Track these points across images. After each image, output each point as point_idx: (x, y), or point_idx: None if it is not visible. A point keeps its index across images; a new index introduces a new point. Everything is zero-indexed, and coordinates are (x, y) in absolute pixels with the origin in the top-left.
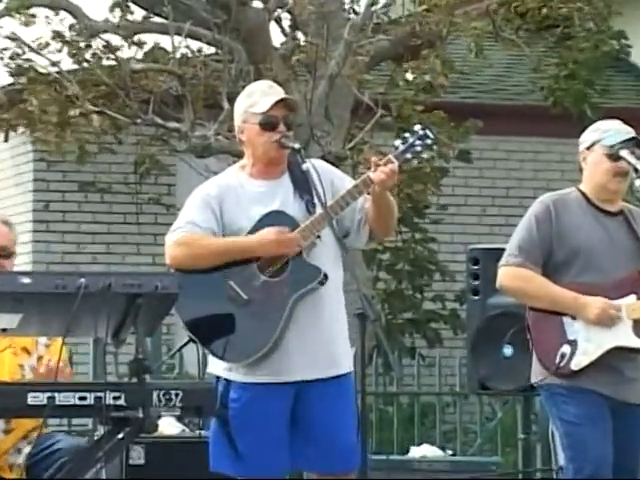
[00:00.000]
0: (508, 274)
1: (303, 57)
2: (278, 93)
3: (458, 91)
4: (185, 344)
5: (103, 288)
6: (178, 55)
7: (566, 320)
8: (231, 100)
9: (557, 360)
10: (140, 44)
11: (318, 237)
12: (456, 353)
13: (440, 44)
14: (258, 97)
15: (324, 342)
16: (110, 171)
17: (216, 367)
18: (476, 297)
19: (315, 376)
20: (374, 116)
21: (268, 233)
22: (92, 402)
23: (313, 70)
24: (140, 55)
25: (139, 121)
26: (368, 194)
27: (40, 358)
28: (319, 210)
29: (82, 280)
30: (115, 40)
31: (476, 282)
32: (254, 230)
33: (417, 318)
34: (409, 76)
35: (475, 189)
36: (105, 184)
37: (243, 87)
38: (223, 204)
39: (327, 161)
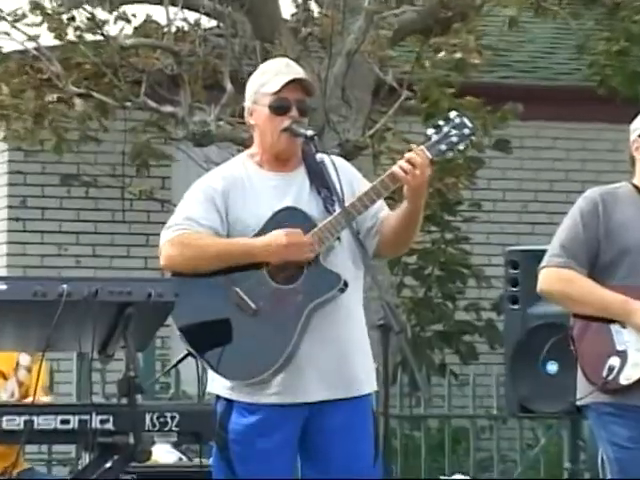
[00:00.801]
0: (550, 276)
1: (317, 31)
2: (295, 73)
3: (495, 70)
4: (182, 359)
5: (88, 296)
6: (173, 29)
7: (615, 328)
8: (234, 80)
9: (604, 374)
10: (129, 17)
11: (337, 239)
12: (493, 370)
13: (474, 16)
14: (270, 76)
15: (343, 358)
16: (96, 162)
17: (216, 385)
18: (515, 306)
19: (332, 396)
20: (398, 99)
21: (278, 236)
22: (76, 426)
23: (328, 46)
24: (130, 30)
25: (129, 105)
26: (393, 198)
27: (21, 384)
28: (338, 208)
29: (64, 287)
30: (101, 13)
31: (515, 289)
32: (263, 230)
33: (448, 330)
34: (439, 55)
35: (514, 182)
36: (90, 177)
37: (250, 66)
38: (228, 199)
39: (344, 150)
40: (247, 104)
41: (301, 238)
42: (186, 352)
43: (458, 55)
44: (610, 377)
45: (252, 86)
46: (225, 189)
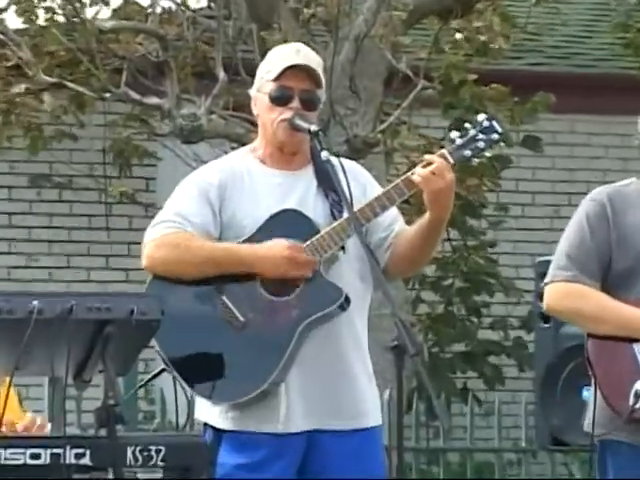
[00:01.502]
0: (558, 292)
1: (321, 12)
2: (301, 59)
3: (523, 56)
4: (156, 375)
5: (62, 313)
6: (158, 10)
7: (638, 348)
8: (227, 68)
9: (631, 401)
10: None
11: (342, 249)
12: (521, 397)
13: None
14: (276, 61)
15: (342, 384)
16: (70, 161)
17: (203, 411)
18: (546, 324)
19: (330, 426)
20: (413, 89)
21: (279, 247)
22: (48, 461)
23: (334, 29)
24: (108, 11)
25: (108, 96)
26: (408, 203)
27: None
28: (346, 215)
29: (35, 303)
30: None
31: None
32: (259, 232)
33: (471, 350)
34: (459, 36)
35: (546, 184)
36: (64, 177)
37: (245, 52)
38: (225, 195)
39: (352, 147)
40: (252, 92)
41: (304, 255)
42: (161, 368)
43: (482, 38)
44: (638, 405)
45: (259, 72)
46: (222, 183)
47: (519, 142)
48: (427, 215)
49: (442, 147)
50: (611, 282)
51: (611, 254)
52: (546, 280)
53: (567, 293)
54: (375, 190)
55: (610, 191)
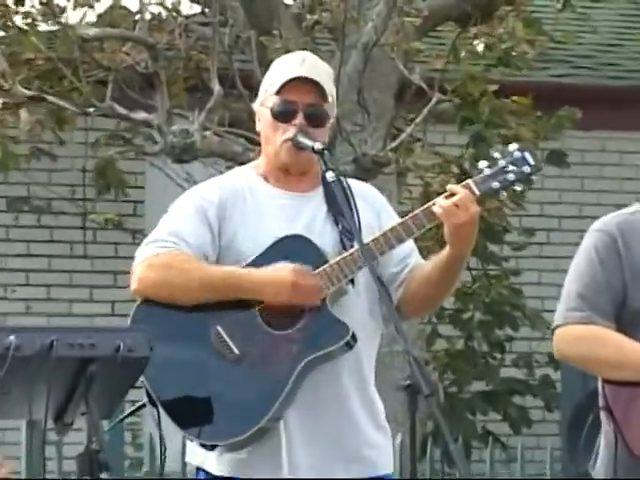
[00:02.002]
0: (569, 336)
1: (326, 18)
2: (306, 71)
3: (548, 67)
4: (137, 409)
5: (41, 350)
6: (147, 16)
7: None
8: (223, 80)
9: None
10: (92, 1)
11: (351, 282)
12: (546, 442)
13: None
14: (279, 72)
15: (347, 428)
16: (50, 182)
17: (197, 454)
18: None
19: (333, 475)
20: (428, 102)
21: (284, 272)
22: None
23: (340, 37)
24: (93, 17)
25: (92, 110)
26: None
27: None
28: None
29: (11, 338)
30: None
31: None
32: (260, 259)
33: (494, 389)
34: (478, 44)
35: (573, 207)
36: (43, 201)
37: (243, 62)
38: (225, 214)
39: (361, 166)
40: (255, 106)
41: (311, 279)
42: (142, 402)
43: (503, 46)
44: None
45: (263, 84)
46: (222, 201)
47: (544, 160)
48: (446, 250)
49: (460, 166)
50: (626, 321)
51: (625, 291)
52: (556, 323)
53: (580, 337)
54: (391, 217)
55: (619, 221)
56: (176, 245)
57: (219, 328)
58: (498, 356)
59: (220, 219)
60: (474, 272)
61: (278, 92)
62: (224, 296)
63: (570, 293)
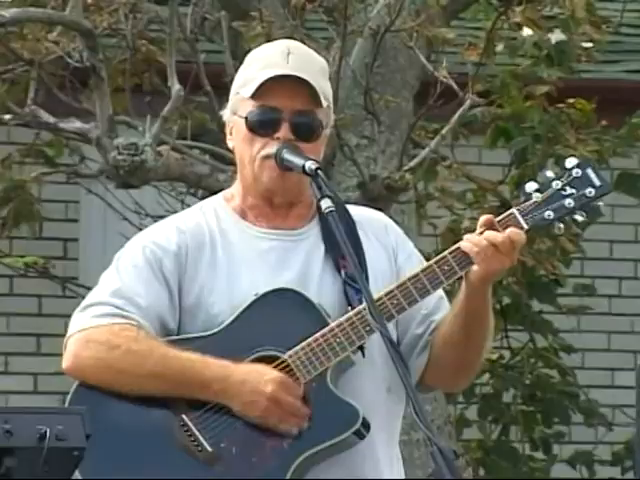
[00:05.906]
0: None
1: None
2: (292, 67)
3: (616, 60)
4: None
5: None
6: None
7: None
8: (184, 77)
9: None
10: None
11: (360, 350)
12: None
13: None
14: (255, 69)
15: None
16: None
17: None
18: None
19: None
20: (458, 108)
21: (263, 377)
22: None
23: (342, 21)
24: None
25: (9, 117)
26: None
27: None
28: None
29: None
30: None
31: None
32: (237, 324)
33: None
34: (525, 32)
35: None
36: None
37: (210, 53)
38: (186, 268)
39: (369, 193)
40: (225, 114)
41: (295, 401)
42: None
43: (556, 35)
44: None
45: (234, 84)
46: (180, 247)
47: (612, 183)
48: (464, 297)
49: (499, 194)
50: None
51: None
52: None
53: None
54: (410, 259)
55: None
56: (122, 311)
57: (185, 418)
58: (540, 457)
59: (180, 273)
60: (513, 342)
61: (255, 95)
62: (182, 393)
63: None
